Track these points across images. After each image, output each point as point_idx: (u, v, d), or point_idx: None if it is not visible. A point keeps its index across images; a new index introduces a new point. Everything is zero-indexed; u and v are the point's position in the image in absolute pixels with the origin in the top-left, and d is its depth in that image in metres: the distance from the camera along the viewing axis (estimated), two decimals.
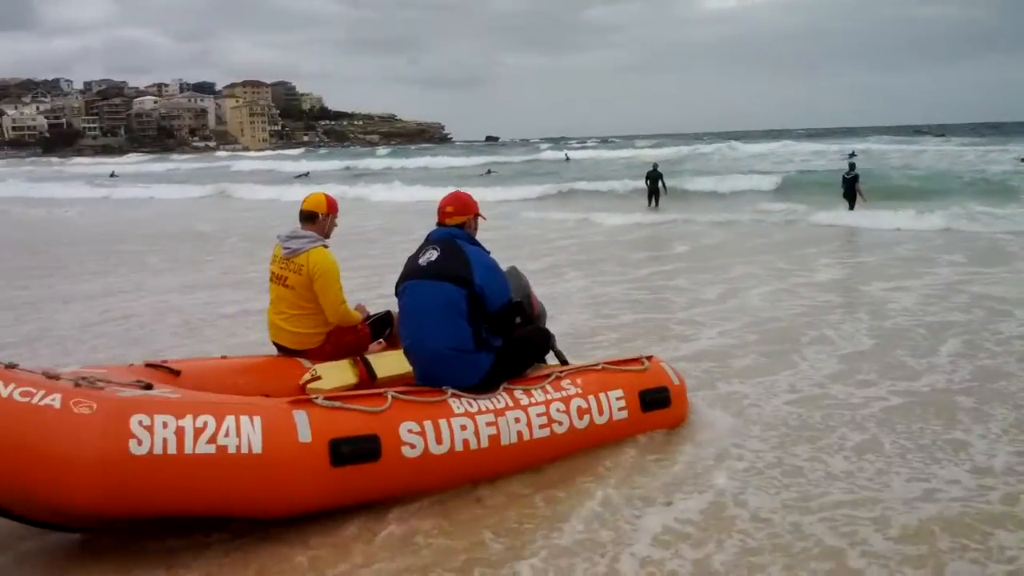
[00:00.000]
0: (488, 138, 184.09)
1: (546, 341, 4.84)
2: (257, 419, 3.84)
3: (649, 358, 5.28)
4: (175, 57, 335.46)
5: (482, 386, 4.47)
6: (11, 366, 3.75)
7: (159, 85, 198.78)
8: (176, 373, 4.59)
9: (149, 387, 3.92)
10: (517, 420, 4.49)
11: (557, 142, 78.20)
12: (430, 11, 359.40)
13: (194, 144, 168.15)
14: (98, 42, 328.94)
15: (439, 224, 4.65)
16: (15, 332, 8.44)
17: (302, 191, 33.74)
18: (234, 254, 14.84)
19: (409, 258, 4.65)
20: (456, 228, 4.61)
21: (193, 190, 38.61)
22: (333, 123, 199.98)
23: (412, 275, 4.53)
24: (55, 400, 3.57)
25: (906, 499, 4.16)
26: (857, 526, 3.90)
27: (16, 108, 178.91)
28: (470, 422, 4.34)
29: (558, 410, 4.65)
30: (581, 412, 4.73)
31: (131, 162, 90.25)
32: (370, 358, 5.28)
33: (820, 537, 3.81)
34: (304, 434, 3.91)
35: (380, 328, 5.54)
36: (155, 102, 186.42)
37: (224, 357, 5.27)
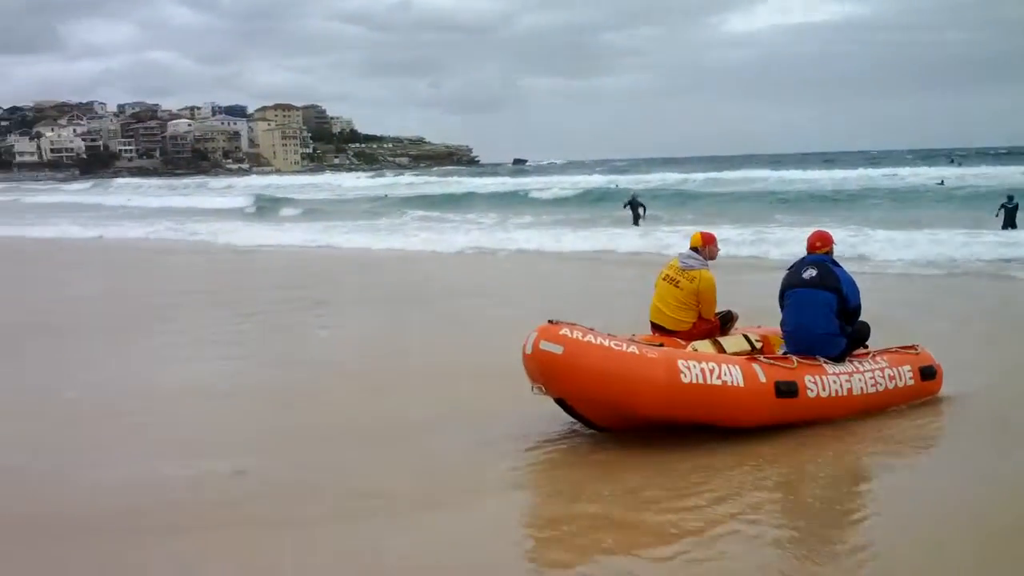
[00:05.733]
0: (516, 161, 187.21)
1: (868, 332, 7.37)
2: (736, 367, 6.41)
3: (917, 345, 7.76)
4: (200, 80, 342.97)
5: (839, 358, 7.02)
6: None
7: (192, 108, 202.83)
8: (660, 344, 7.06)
9: (661, 345, 6.49)
10: (859, 379, 7.02)
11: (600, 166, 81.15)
12: (447, 34, 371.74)
13: (227, 167, 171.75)
14: (122, 65, 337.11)
15: (810, 252, 7.24)
16: None
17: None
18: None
19: (789, 273, 7.25)
20: (824, 255, 7.18)
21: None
22: (363, 146, 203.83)
23: (796, 285, 7.14)
24: (634, 348, 6.15)
25: None
26: None
27: (53, 130, 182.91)
28: (837, 378, 6.90)
29: (879, 375, 7.17)
30: (890, 377, 7.25)
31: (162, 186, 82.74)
32: (720, 340, 7.79)
33: None
34: (761, 377, 6.45)
35: (723, 323, 8.04)
36: (189, 125, 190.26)
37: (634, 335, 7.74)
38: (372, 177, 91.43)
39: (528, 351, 6.17)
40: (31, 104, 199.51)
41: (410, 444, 6.74)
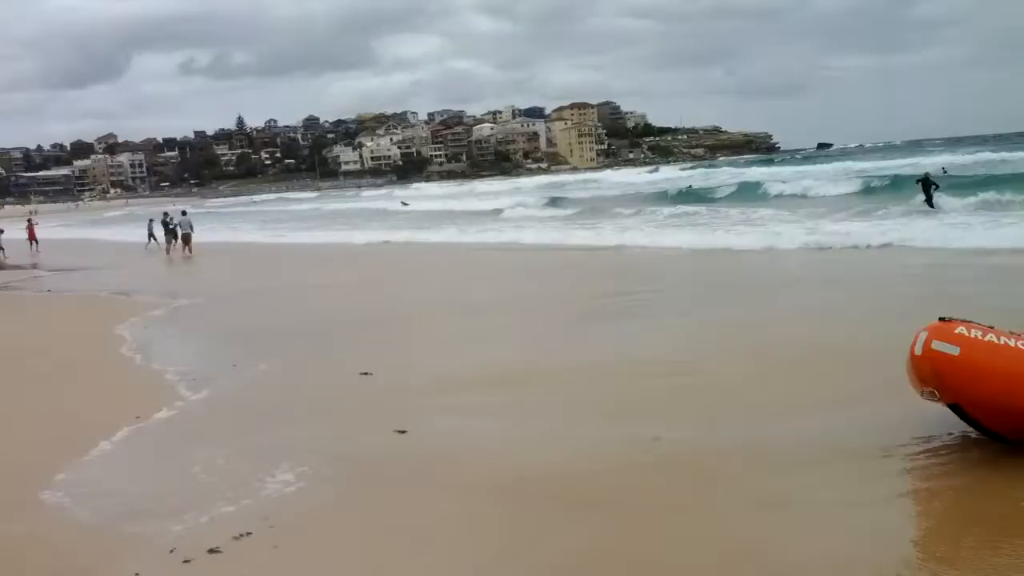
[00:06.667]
0: (820, 145, 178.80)
1: None
2: None
3: None
4: (500, 85, 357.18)
5: None
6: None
7: (494, 113, 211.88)
8: None
9: None
10: None
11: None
12: (742, 20, 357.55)
13: (528, 166, 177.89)
14: (430, 75, 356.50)
15: None
16: None
17: None
18: None
19: None
20: None
21: None
22: (657, 139, 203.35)
23: None
24: None
25: None
26: None
27: (373, 140, 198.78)
28: None
29: None
30: None
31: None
32: None
33: None
34: None
35: None
36: (491, 128, 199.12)
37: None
38: (650, 172, 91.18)
39: (918, 352, 5.61)
40: (353, 117, 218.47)
41: (800, 433, 6.69)
